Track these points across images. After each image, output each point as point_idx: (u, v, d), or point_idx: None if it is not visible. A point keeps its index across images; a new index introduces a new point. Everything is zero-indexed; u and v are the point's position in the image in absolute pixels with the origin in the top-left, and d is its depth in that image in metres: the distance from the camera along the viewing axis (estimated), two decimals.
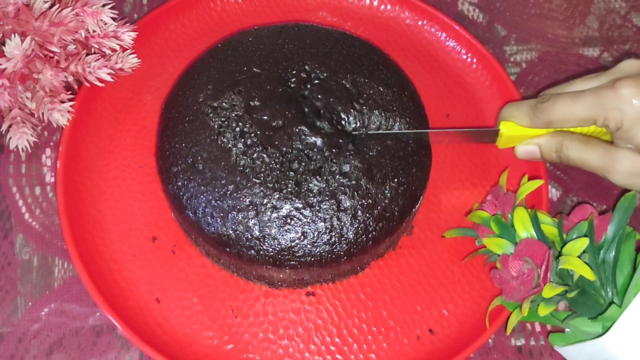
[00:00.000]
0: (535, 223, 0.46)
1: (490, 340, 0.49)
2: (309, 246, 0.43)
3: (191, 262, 0.49)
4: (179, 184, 0.45)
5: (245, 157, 0.44)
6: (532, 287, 0.44)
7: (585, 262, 0.43)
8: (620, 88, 0.43)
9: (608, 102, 0.44)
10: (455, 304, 0.49)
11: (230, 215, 0.43)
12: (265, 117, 0.45)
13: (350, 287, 0.49)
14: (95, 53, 0.51)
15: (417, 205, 0.47)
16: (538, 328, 0.50)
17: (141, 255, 0.49)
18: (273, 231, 0.43)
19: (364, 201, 0.43)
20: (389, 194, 0.44)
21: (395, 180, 0.45)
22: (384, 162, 0.45)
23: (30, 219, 0.51)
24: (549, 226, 0.46)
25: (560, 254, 0.45)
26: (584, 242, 0.44)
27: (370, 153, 0.45)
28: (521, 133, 0.48)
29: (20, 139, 0.49)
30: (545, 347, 0.49)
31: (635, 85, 0.43)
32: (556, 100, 0.45)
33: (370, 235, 0.44)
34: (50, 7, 0.49)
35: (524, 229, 0.46)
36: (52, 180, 0.53)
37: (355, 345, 0.47)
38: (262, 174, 0.43)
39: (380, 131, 0.46)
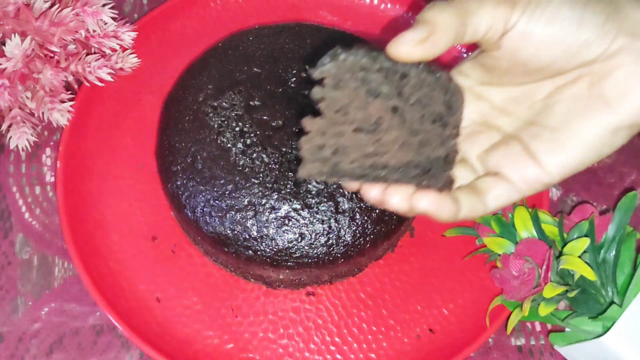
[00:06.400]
0: (536, 222, 0.46)
1: (490, 339, 0.49)
2: (306, 247, 0.43)
3: (191, 261, 0.49)
4: (178, 182, 0.45)
5: (244, 157, 0.44)
6: (532, 286, 0.44)
7: (585, 262, 0.43)
8: None
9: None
10: (455, 304, 0.49)
11: (228, 214, 0.43)
12: (265, 117, 0.45)
13: (350, 287, 0.49)
14: (95, 53, 0.51)
15: None
16: (538, 327, 0.50)
17: (141, 255, 0.49)
18: (271, 231, 0.43)
19: (362, 204, 0.43)
20: None
21: None
22: None
23: (31, 218, 0.51)
24: (550, 225, 0.46)
25: (561, 254, 0.45)
26: (585, 242, 0.44)
27: None
28: None
29: (21, 139, 0.50)
30: (546, 347, 0.49)
31: None
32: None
33: (368, 238, 0.44)
34: (50, 7, 0.49)
35: (524, 229, 0.46)
36: (52, 179, 0.53)
37: (355, 344, 0.47)
38: (261, 174, 0.43)
39: None
